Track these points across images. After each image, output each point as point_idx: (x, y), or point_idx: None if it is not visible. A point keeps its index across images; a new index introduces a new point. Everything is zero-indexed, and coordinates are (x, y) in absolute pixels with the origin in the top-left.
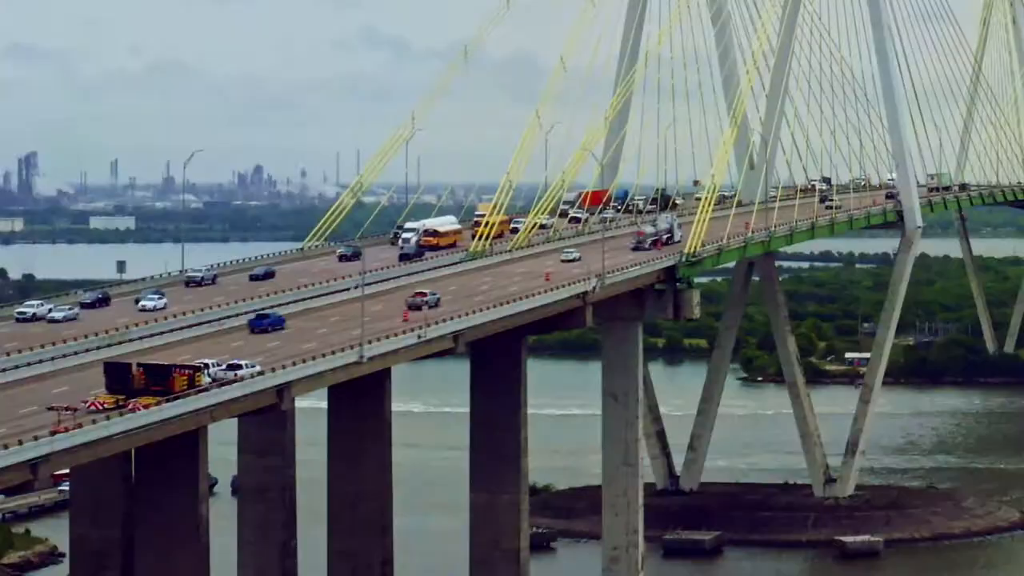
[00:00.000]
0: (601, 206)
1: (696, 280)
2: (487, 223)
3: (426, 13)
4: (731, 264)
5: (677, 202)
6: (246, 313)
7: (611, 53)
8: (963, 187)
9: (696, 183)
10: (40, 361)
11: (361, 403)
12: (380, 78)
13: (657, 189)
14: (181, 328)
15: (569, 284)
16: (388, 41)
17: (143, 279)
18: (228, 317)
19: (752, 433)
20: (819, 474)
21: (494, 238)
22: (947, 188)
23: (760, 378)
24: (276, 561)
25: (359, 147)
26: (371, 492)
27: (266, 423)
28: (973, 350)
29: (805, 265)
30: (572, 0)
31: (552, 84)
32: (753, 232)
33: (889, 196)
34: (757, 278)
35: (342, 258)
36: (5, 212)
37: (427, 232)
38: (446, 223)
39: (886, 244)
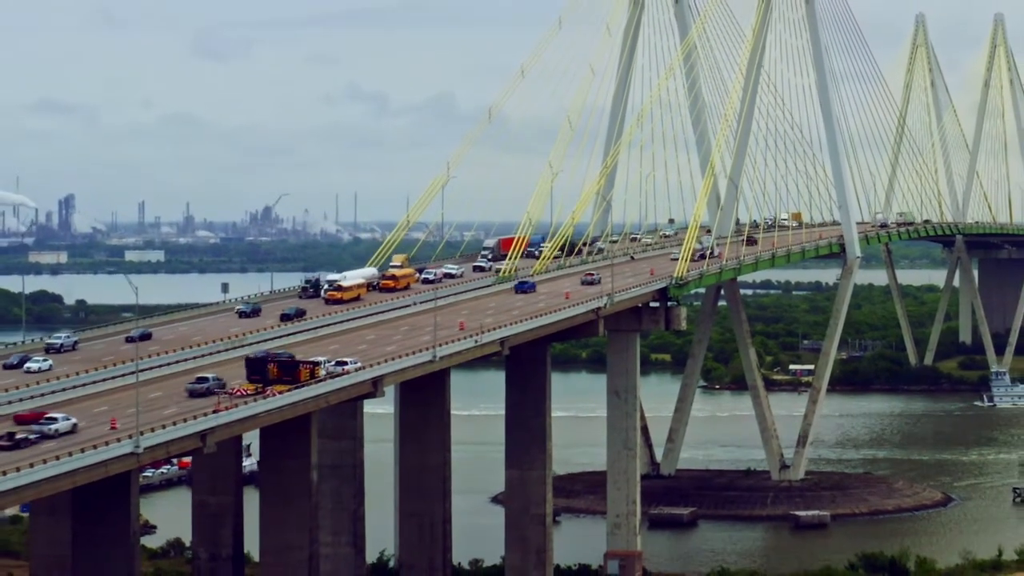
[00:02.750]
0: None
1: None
2: (392, 276)
3: (402, 71)
4: (700, 290)
5: (582, 248)
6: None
7: (604, 110)
8: (927, 222)
9: (671, 221)
10: (185, 360)
11: (427, 395)
12: (364, 128)
13: (563, 236)
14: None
15: (586, 301)
16: (369, 96)
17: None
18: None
19: (714, 431)
20: (775, 461)
21: (401, 290)
22: (911, 223)
23: (717, 386)
24: (348, 525)
25: (355, 190)
26: (434, 466)
27: (340, 413)
28: (897, 363)
29: (749, 292)
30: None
31: (561, 139)
32: (726, 260)
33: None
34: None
35: (241, 315)
36: (49, 246)
37: (332, 287)
38: (357, 276)
39: (818, 274)
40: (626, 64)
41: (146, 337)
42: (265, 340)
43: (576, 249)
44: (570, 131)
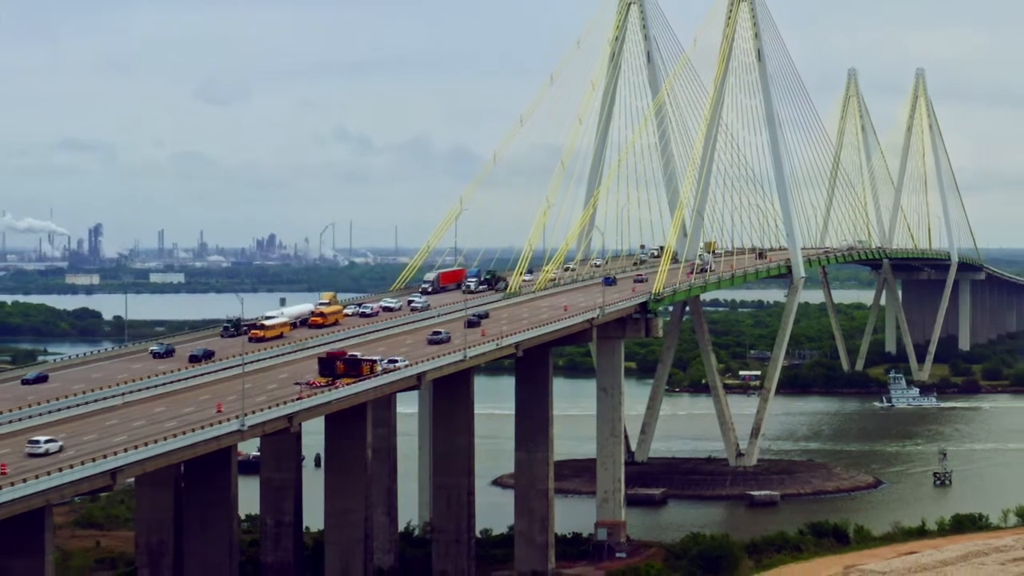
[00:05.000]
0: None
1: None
2: (320, 313)
3: (383, 115)
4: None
5: (505, 278)
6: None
7: (589, 153)
8: (879, 248)
9: (642, 247)
10: (262, 359)
11: (456, 389)
12: (350, 165)
13: (489, 271)
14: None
15: (582, 313)
16: (354, 137)
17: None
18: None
19: (677, 426)
20: (732, 450)
21: (329, 326)
22: (868, 247)
23: (677, 389)
24: (383, 498)
25: (345, 220)
26: (461, 447)
27: (377, 405)
28: (832, 369)
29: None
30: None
31: (557, 177)
32: (694, 279)
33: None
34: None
35: (155, 355)
36: (82, 270)
37: (255, 325)
38: (292, 313)
39: (760, 294)
40: (607, 115)
41: (42, 379)
42: (336, 341)
43: (499, 280)
44: (562, 170)
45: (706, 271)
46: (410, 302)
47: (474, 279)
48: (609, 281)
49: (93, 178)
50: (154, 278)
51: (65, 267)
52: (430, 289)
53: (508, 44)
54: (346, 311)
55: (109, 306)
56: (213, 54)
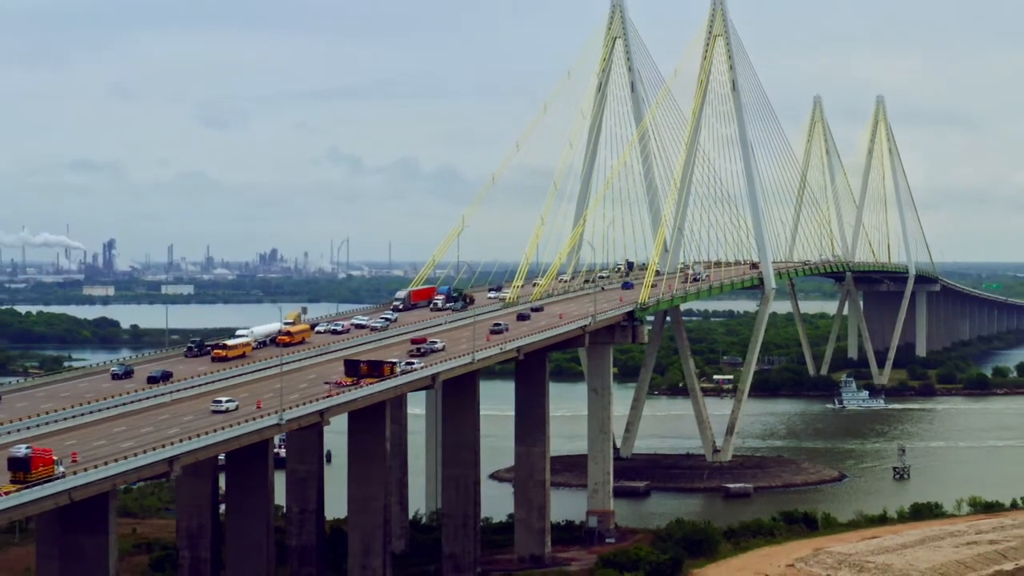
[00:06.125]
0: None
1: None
2: (287, 332)
3: (373, 138)
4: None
5: (473, 296)
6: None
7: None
8: (844, 262)
9: (625, 260)
10: (291, 362)
11: (461, 389)
12: (343, 185)
13: (456, 289)
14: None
15: (576, 320)
16: (347, 158)
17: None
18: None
19: (657, 426)
20: (709, 446)
21: (296, 344)
22: (843, 261)
23: (656, 392)
24: (396, 488)
25: (339, 237)
26: (468, 441)
27: (391, 404)
28: (798, 374)
29: None
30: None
31: (551, 198)
32: (676, 290)
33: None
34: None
35: (115, 376)
36: (97, 282)
37: (217, 345)
38: (253, 334)
39: (730, 304)
40: (594, 141)
41: None
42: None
43: (463, 295)
44: (554, 190)
45: (698, 280)
46: (380, 319)
47: (441, 296)
48: (628, 286)
49: (104, 196)
50: (165, 290)
51: (82, 279)
52: (402, 306)
53: (492, 70)
54: (318, 328)
55: (125, 315)
56: (214, 80)
